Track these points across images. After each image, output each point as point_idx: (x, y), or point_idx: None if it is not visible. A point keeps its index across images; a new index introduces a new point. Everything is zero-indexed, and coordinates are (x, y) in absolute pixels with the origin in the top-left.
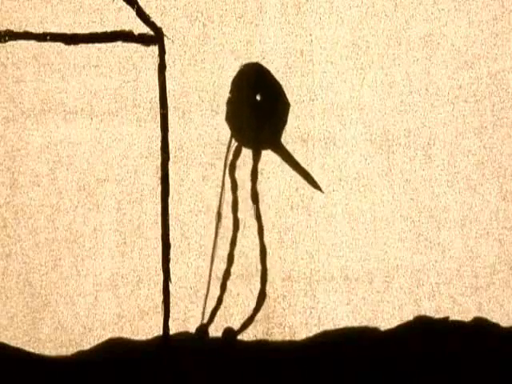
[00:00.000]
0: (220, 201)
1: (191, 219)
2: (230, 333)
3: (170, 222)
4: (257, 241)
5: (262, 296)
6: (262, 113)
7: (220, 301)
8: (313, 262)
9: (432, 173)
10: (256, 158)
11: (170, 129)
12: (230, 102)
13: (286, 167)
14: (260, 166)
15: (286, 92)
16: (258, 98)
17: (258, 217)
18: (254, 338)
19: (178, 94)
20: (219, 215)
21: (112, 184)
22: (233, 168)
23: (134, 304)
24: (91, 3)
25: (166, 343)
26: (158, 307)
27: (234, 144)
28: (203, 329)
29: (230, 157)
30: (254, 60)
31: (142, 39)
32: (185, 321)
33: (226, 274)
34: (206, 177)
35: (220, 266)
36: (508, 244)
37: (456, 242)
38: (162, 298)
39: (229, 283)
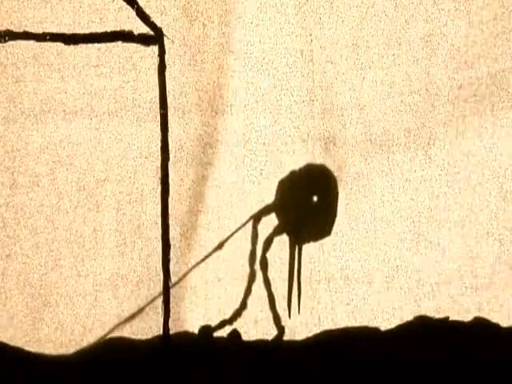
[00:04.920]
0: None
1: (191, 219)
2: (235, 335)
3: (170, 222)
4: (257, 241)
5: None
6: (307, 215)
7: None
8: (313, 262)
9: (432, 173)
10: (277, 231)
11: (169, 129)
12: (295, 182)
13: (288, 168)
14: (261, 166)
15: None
16: (315, 199)
17: (267, 284)
18: (254, 338)
19: (178, 94)
20: None
21: (112, 184)
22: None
23: (134, 304)
24: (91, 3)
25: (166, 343)
26: (157, 307)
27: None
28: (206, 329)
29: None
30: (253, 60)
31: (142, 39)
32: (185, 321)
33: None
34: (206, 177)
35: (220, 266)
36: (508, 244)
37: (456, 241)
38: (161, 298)
39: (229, 283)
